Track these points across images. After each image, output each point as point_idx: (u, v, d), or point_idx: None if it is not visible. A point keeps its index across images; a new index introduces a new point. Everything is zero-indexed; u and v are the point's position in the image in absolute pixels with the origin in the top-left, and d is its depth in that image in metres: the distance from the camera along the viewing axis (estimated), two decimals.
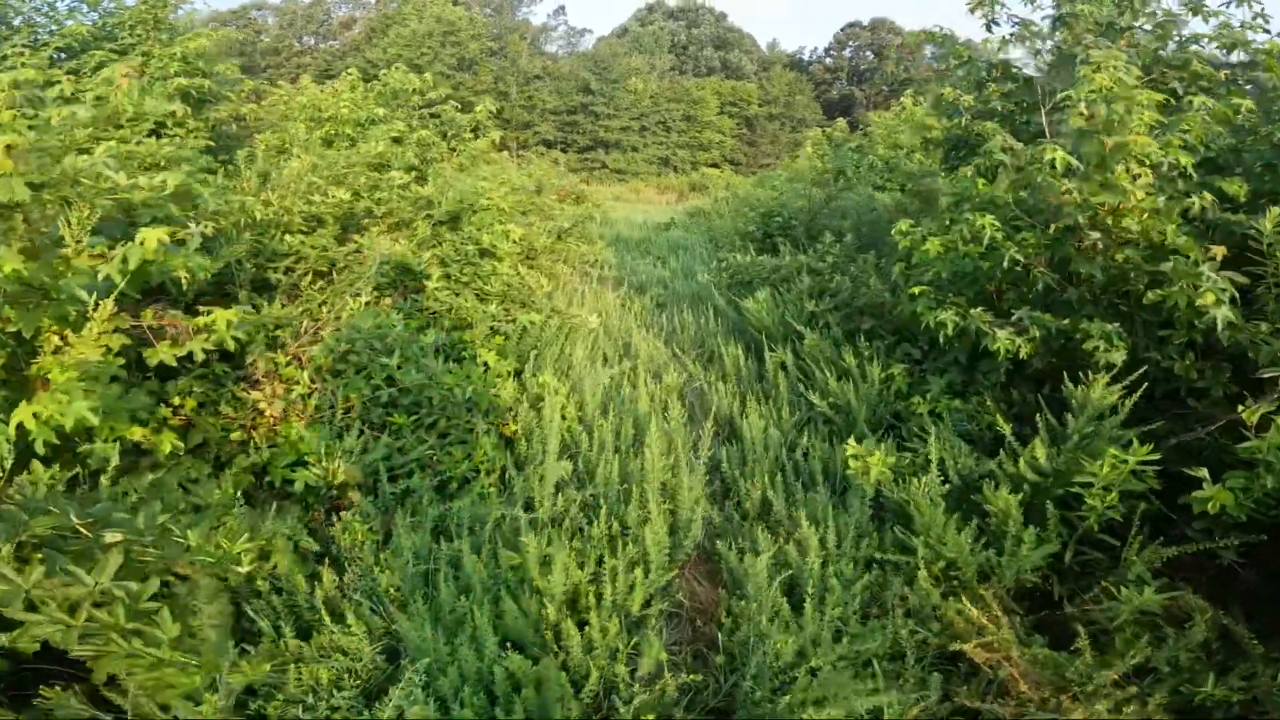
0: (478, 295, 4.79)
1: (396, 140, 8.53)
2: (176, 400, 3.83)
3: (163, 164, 4.09)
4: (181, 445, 3.30)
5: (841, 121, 17.50)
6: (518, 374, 4.80)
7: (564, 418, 4.20)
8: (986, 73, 5.15)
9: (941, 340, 3.96)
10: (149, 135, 5.53)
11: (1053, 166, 3.62)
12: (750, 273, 6.61)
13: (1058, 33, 4.91)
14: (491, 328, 4.42)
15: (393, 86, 9.68)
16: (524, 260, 7.92)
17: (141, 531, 2.14)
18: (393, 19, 50.37)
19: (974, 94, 5.21)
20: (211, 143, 6.54)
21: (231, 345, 3.17)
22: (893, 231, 4.16)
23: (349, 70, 9.44)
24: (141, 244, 2.77)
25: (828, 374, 4.73)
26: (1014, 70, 5.09)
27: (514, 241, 5.58)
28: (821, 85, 58.00)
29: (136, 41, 6.59)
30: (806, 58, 63.79)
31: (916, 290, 3.96)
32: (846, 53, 62.69)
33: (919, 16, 40.02)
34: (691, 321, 6.77)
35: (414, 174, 8.25)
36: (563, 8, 68.18)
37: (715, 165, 39.36)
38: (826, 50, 63.65)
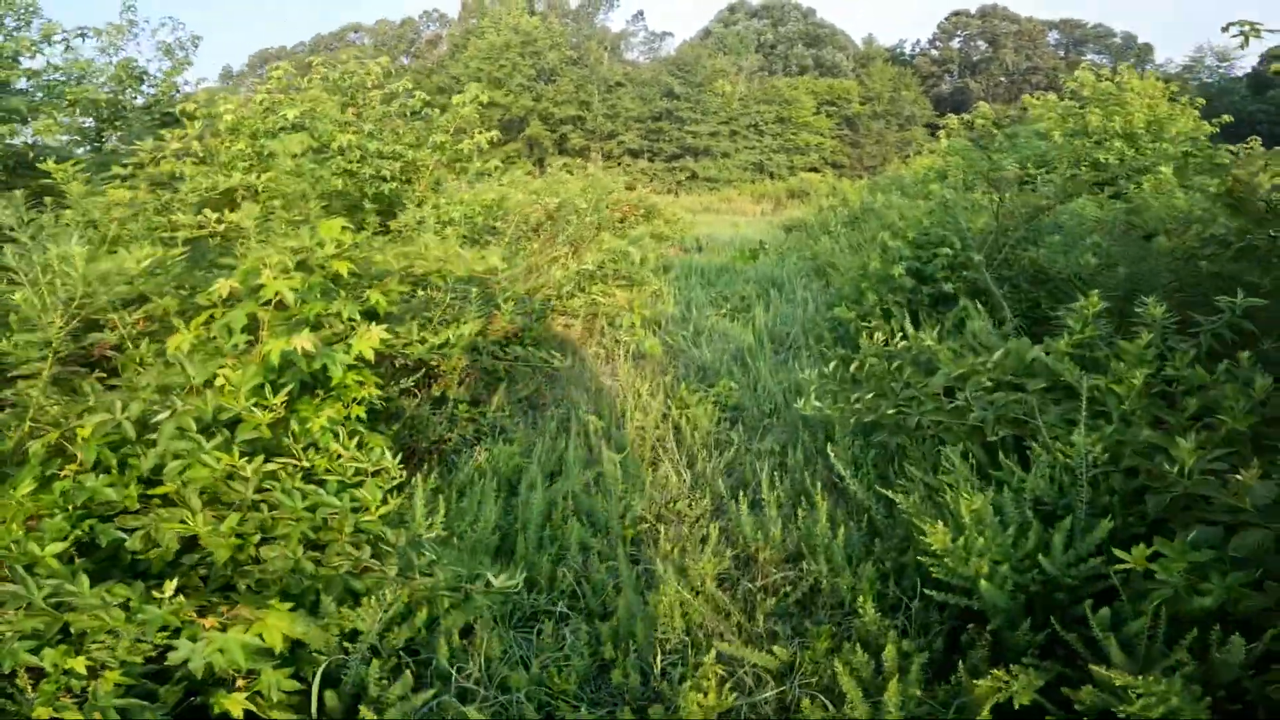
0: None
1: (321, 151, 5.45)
2: None
3: None
4: None
5: (984, 106, 13.28)
6: None
7: None
8: None
9: None
10: None
11: None
12: (929, 409, 2.91)
13: None
14: None
15: (334, 80, 6.62)
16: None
17: None
18: (473, 33, 49.26)
19: None
20: None
21: None
22: None
23: (276, 67, 6.46)
24: None
25: None
26: None
27: (354, 396, 2.23)
28: (929, 79, 52.61)
29: None
30: (909, 51, 58.40)
31: None
32: (955, 43, 56.96)
33: (1034, 2, 34.50)
34: (782, 514, 3.18)
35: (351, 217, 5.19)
36: (641, 12, 65.09)
37: (815, 169, 35.24)
38: (931, 42, 58.14)
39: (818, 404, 3.13)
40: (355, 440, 2.27)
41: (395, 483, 2.27)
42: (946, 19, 56.69)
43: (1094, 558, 2.29)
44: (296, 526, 2.01)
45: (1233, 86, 36.97)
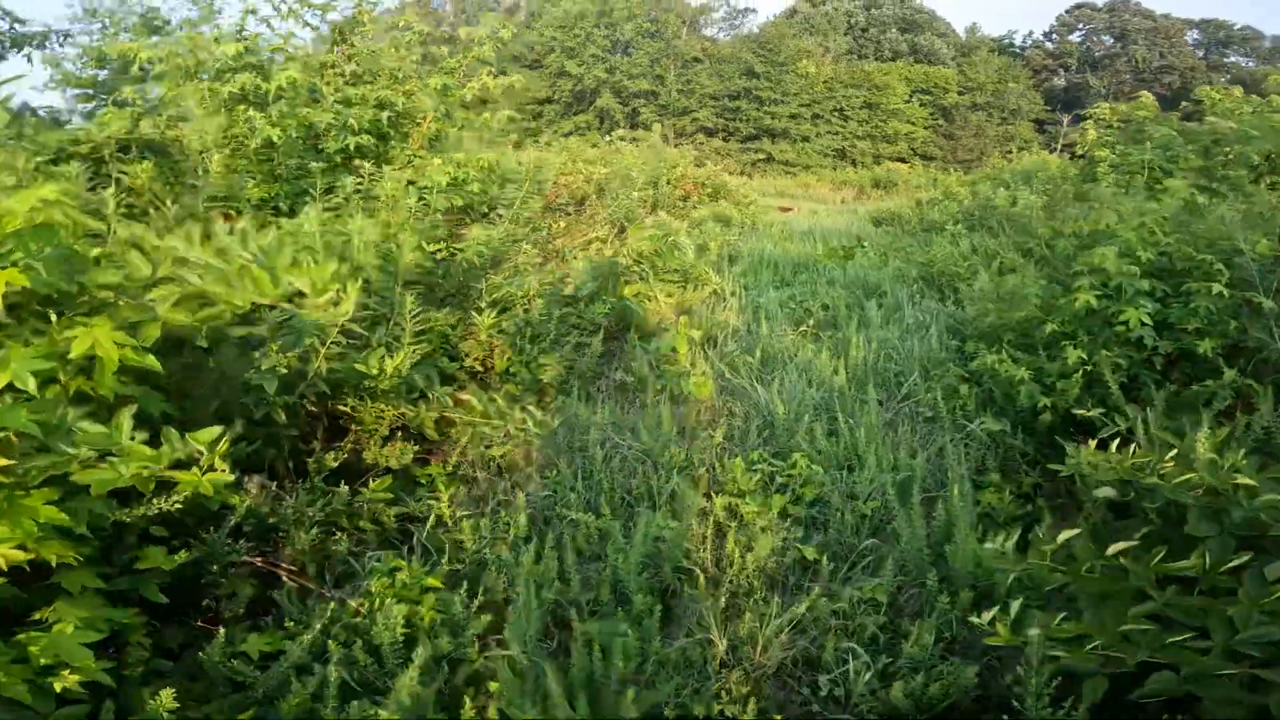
0: None
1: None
2: None
3: None
4: None
5: (1148, 96, 10.72)
6: None
7: None
8: None
9: None
10: None
11: None
12: None
13: None
14: None
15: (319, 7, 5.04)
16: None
17: None
18: (549, 0, 47.78)
19: None
20: None
21: None
22: None
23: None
24: None
25: None
26: None
27: None
28: (1041, 73, 48.43)
29: None
30: (1019, 43, 53.95)
31: None
32: (1074, 37, 52.25)
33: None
34: None
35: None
36: None
37: (902, 159, 32.49)
38: (1047, 34, 53.54)
39: (1032, 634, 1.37)
40: None
41: None
42: (1068, 11, 52.10)
43: None
44: None
45: None
